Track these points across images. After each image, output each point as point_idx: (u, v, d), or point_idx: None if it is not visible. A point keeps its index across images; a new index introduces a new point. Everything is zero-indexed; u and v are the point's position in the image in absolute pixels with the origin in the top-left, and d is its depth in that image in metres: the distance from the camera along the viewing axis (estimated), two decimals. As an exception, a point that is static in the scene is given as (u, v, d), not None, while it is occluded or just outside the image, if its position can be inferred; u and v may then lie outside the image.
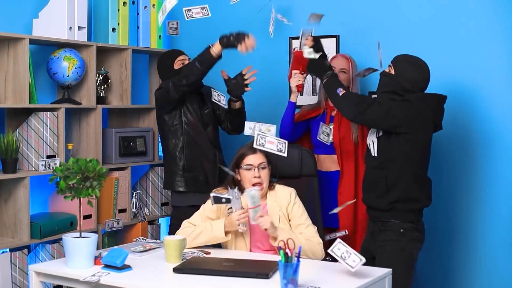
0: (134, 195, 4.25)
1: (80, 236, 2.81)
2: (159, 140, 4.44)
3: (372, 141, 3.23)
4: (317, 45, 3.35)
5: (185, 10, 3.58)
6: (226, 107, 3.77)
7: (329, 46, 4.11)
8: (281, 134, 3.78)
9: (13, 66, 3.65)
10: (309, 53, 3.34)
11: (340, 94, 3.17)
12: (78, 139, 4.06)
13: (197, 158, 3.76)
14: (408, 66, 3.17)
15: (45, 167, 3.67)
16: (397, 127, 3.10)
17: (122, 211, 4.11)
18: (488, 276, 3.70)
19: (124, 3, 4.13)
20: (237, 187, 3.11)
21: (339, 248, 2.72)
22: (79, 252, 2.77)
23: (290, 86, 3.64)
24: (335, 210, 3.23)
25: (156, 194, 4.38)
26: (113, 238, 4.11)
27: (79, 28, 3.92)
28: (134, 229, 4.18)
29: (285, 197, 3.20)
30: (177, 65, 3.82)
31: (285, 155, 3.10)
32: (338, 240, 2.76)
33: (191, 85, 3.66)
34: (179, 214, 3.63)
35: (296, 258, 2.45)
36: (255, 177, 3.15)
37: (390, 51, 3.64)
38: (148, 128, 4.33)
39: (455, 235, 3.79)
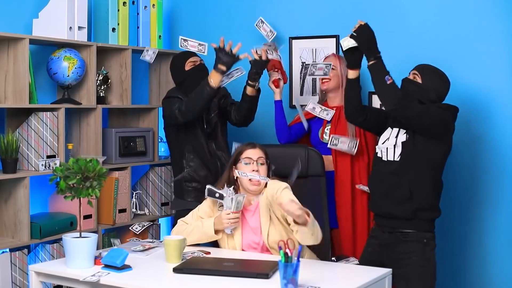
0: (134, 195, 4.26)
1: (80, 236, 2.81)
2: (159, 140, 4.45)
3: (392, 146, 3.18)
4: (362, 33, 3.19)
5: (181, 39, 3.63)
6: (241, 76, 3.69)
7: (329, 46, 4.12)
8: (278, 134, 3.81)
9: (13, 66, 3.65)
10: (347, 44, 3.23)
11: (388, 83, 3.10)
12: (78, 139, 4.06)
13: (200, 169, 3.78)
14: (435, 76, 3.21)
15: (45, 167, 3.67)
16: (430, 128, 3.10)
17: (122, 211, 4.11)
18: (498, 281, 3.69)
19: (124, 3, 4.13)
20: (232, 187, 3.10)
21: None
22: (79, 252, 2.77)
23: (268, 85, 3.78)
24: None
25: (156, 194, 4.38)
26: (113, 237, 4.11)
27: (79, 28, 3.92)
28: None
29: (273, 189, 3.10)
30: (188, 66, 3.83)
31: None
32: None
33: (197, 116, 3.69)
34: (180, 216, 3.63)
35: (296, 258, 2.45)
36: (253, 170, 3.12)
37: (390, 51, 3.65)
38: (148, 128, 4.33)
39: (464, 242, 3.78)
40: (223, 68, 3.58)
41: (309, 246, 3.18)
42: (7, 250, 3.55)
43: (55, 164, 3.69)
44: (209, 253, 3.05)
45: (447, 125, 3.15)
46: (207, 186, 3.09)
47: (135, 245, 3.15)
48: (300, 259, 2.47)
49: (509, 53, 3.62)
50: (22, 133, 3.70)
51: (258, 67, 3.67)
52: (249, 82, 3.72)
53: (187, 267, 2.76)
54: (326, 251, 3.37)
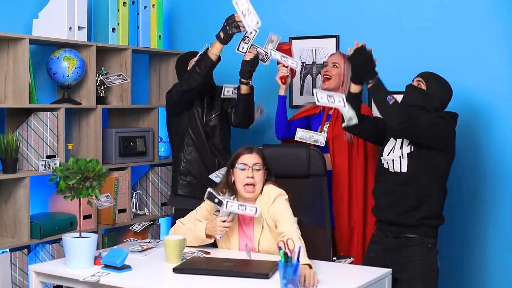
0: (134, 195, 4.26)
1: (80, 236, 2.81)
2: (159, 140, 4.45)
3: (397, 157, 3.18)
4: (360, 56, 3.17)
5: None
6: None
7: (329, 46, 4.12)
8: (276, 129, 3.80)
9: (13, 66, 3.65)
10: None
11: (390, 103, 3.09)
12: (78, 139, 4.06)
13: (196, 163, 3.78)
14: (439, 84, 3.23)
15: (45, 167, 3.67)
16: (436, 142, 3.12)
17: (122, 211, 4.11)
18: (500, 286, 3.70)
19: (124, 3, 4.13)
20: (233, 196, 3.11)
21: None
22: (79, 252, 2.77)
23: (275, 79, 3.73)
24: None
25: (156, 194, 4.38)
26: (112, 238, 4.11)
27: (79, 28, 3.91)
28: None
29: (266, 197, 3.11)
30: (190, 66, 3.82)
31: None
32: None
33: (193, 90, 3.66)
34: (179, 216, 3.64)
35: (296, 258, 2.45)
36: (247, 177, 3.10)
37: (390, 51, 3.66)
38: (148, 128, 4.33)
39: (465, 246, 3.78)
40: (221, 34, 3.54)
41: (309, 247, 3.18)
42: (7, 250, 3.55)
43: (55, 164, 3.69)
44: (209, 253, 3.05)
45: (451, 135, 3.19)
46: (208, 189, 3.06)
47: (133, 246, 3.15)
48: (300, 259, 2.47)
49: (509, 53, 3.62)
50: (22, 133, 3.70)
51: (253, 65, 3.64)
52: (242, 80, 3.69)
53: (187, 267, 2.76)
54: (327, 251, 3.37)
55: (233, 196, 3.11)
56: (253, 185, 3.10)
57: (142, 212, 4.34)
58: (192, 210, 3.30)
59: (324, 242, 3.38)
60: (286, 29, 4.26)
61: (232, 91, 3.75)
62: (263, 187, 3.16)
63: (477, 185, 3.73)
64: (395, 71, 3.71)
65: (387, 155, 3.24)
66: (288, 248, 2.47)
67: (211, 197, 3.03)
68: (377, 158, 3.41)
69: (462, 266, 3.78)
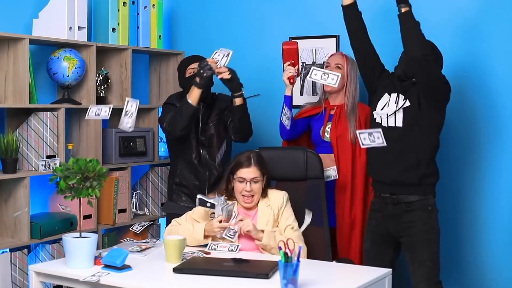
0: (134, 195, 4.26)
1: (80, 236, 2.81)
2: (159, 140, 4.45)
3: (392, 111, 3.18)
4: None
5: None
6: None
7: (329, 46, 4.12)
8: (281, 129, 3.79)
9: (13, 66, 3.65)
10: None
11: (421, 32, 3.15)
12: (78, 139, 4.06)
13: (188, 175, 3.78)
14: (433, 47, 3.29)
15: (45, 167, 3.67)
16: (441, 93, 3.16)
17: (122, 211, 4.11)
18: (495, 274, 3.70)
19: (124, 3, 4.13)
20: (223, 196, 3.15)
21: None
22: (79, 252, 2.77)
23: (283, 80, 3.68)
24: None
25: (156, 194, 4.38)
26: (112, 238, 4.11)
27: (79, 28, 3.91)
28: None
29: (278, 200, 3.24)
30: (187, 73, 3.79)
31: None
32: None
33: (183, 133, 3.64)
34: (171, 219, 3.65)
35: (296, 258, 2.45)
36: (245, 190, 3.19)
37: (390, 51, 3.65)
38: (148, 128, 4.33)
39: (460, 232, 3.79)
40: (197, 79, 3.53)
41: (308, 248, 3.21)
42: (7, 250, 3.55)
43: (55, 164, 3.69)
44: (209, 253, 3.05)
45: (448, 96, 3.23)
46: (198, 196, 3.14)
47: (131, 246, 3.14)
48: (300, 259, 2.47)
49: (509, 53, 3.62)
50: (22, 133, 3.70)
51: (234, 76, 3.59)
52: (234, 95, 3.63)
53: (187, 267, 2.76)
54: (326, 252, 3.37)
55: (223, 195, 3.16)
56: (251, 195, 3.20)
57: (142, 212, 4.34)
58: (182, 214, 3.34)
59: (323, 243, 3.39)
60: (286, 29, 4.26)
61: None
62: (267, 192, 3.26)
63: (471, 149, 3.75)
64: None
65: (381, 110, 3.24)
66: (288, 248, 2.47)
67: (203, 203, 3.12)
68: None
69: (461, 224, 3.80)
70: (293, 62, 3.67)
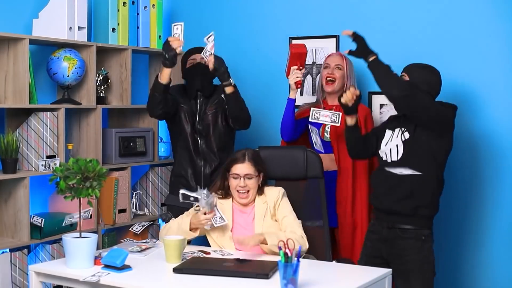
0: (134, 195, 4.26)
1: (80, 236, 2.81)
2: (159, 140, 4.45)
3: (395, 146, 3.21)
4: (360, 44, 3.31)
5: (313, 110, 3.61)
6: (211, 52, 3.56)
7: (329, 46, 4.12)
8: (283, 131, 3.78)
9: (13, 66, 3.65)
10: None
11: (393, 73, 3.16)
12: (78, 139, 4.06)
13: (186, 164, 3.81)
14: (421, 70, 3.25)
15: (45, 167, 3.66)
16: (435, 122, 3.12)
17: (122, 211, 4.11)
18: (498, 277, 3.70)
19: (124, 3, 4.13)
20: (206, 189, 3.16)
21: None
22: (79, 252, 2.77)
23: (289, 83, 3.67)
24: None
25: (156, 194, 4.38)
26: (112, 238, 4.11)
27: (79, 28, 3.91)
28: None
29: (274, 195, 3.26)
30: (188, 64, 3.84)
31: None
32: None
33: (156, 113, 3.72)
34: (171, 211, 3.66)
35: (296, 258, 2.45)
36: (239, 186, 3.21)
37: (390, 51, 3.65)
38: (148, 128, 4.33)
39: (462, 239, 3.79)
40: (163, 60, 3.55)
41: (309, 246, 3.21)
42: (7, 250, 3.55)
43: (55, 164, 3.69)
44: (209, 253, 3.05)
45: (449, 122, 3.18)
46: (180, 191, 3.16)
47: (131, 246, 3.15)
48: (300, 259, 2.47)
49: (509, 53, 3.62)
50: (22, 133, 3.70)
51: (220, 65, 3.55)
52: (223, 84, 3.63)
53: (187, 267, 2.76)
54: (327, 252, 3.37)
55: (206, 188, 3.17)
56: (246, 191, 3.22)
57: (142, 212, 4.34)
58: (182, 206, 3.35)
59: (323, 243, 3.39)
60: (286, 29, 4.26)
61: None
62: (263, 189, 3.27)
63: (473, 179, 3.75)
64: (395, 71, 3.70)
65: (385, 146, 3.26)
66: (288, 248, 2.47)
67: (186, 197, 3.14)
68: None
69: (460, 255, 3.79)
70: (300, 66, 3.66)
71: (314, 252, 3.28)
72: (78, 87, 4.00)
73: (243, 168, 3.22)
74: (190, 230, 3.15)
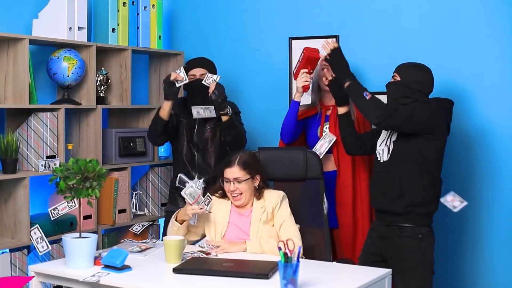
0: (134, 196, 4.26)
1: (80, 237, 2.81)
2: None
3: (386, 146, 3.23)
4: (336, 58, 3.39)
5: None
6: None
7: (329, 46, 4.12)
8: (283, 132, 3.76)
9: (13, 66, 3.65)
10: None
11: (367, 98, 3.18)
12: (78, 139, 4.06)
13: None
14: (412, 69, 3.26)
15: (45, 167, 3.66)
16: (422, 129, 3.13)
17: (122, 211, 4.11)
18: (497, 276, 3.70)
19: (124, 3, 4.13)
20: (202, 179, 3.22)
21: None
22: (79, 252, 2.77)
23: (297, 86, 3.66)
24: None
25: (156, 194, 4.38)
26: (112, 238, 4.11)
27: (79, 28, 3.91)
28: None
29: (273, 200, 3.26)
30: (188, 78, 3.79)
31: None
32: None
33: (158, 144, 3.93)
34: (168, 218, 3.67)
35: (296, 259, 2.45)
36: (230, 190, 3.24)
37: (390, 51, 3.66)
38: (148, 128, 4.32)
39: (461, 237, 3.79)
40: (164, 94, 3.65)
41: (309, 248, 3.21)
42: (7, 250, 3.55)
43: (55, 164, 3.69)
44: (209, 253, 3.05)
45: (435, 121, 3.17)
46: (179, 175, 3.28)
47: (131, 246, 3.15)
48: (300, 259, 2.47)
49: (506, 52, 3.62)
50: (22, 133, 3.70)
51: (220, 94, 3.57)
52: (220, 113, 3.64)
53: (187, 268, 2.76)
54: (327, 253, 3.37)
55: (202, 179, 3.24)
56: (239, 194, 3.23)
57: (142, 213, 4.34)
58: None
59: (323, 243, 3.39)
60: (286, 29, 4.26)
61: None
62: (263, 193, 3.28)
63: (469, 177, 3.75)
64: (393, 71, 3.70)
65: (379, 146, 3.30)
66: (288, 249, 2.47)
67: (182, 183, 3.25)
68: None
69: (458, 255, 3.79)
70: (311, 70, 3.66)
71: (314, 252, 3.28)
72: (78, 87, 4.00)
73: (232, 172, 3.24)
74: (176, 220, 3.22)
